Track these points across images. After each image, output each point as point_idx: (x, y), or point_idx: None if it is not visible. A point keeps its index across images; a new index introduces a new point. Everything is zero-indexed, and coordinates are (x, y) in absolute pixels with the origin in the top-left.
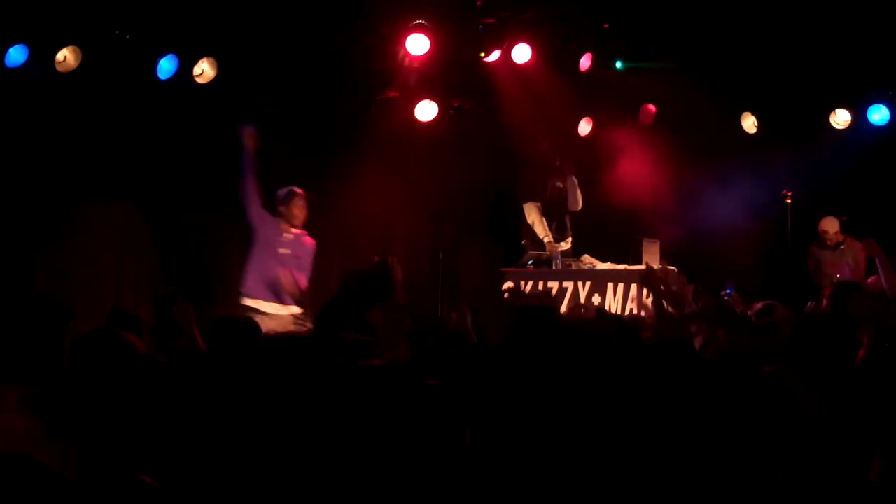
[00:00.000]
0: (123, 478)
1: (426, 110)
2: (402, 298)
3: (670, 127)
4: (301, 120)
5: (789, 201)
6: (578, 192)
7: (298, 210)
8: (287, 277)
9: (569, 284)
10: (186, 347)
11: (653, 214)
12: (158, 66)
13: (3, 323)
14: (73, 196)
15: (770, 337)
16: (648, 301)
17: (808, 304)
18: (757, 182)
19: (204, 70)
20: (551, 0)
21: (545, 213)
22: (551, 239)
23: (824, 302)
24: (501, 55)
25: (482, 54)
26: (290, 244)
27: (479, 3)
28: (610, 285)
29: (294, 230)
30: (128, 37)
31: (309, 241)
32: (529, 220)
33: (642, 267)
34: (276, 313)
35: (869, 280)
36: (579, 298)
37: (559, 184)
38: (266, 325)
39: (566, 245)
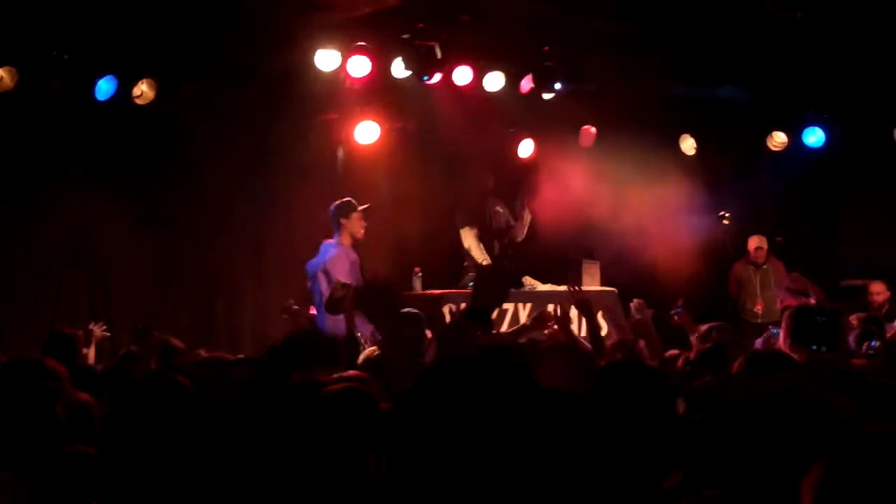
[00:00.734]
0: None
1: (367, 132)
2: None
3: (610, 148)
4: (242, 141)
5: (727, 222)
6: (526, 226)
7: (360, 223)
8: None
9: (509, 306)
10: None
11: (593, 236)
12: (97, 87)
13: None
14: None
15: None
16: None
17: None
18: (695, 203)
19: (143, 91)
20: (492, 23)
21: (484, 235)
22: (490, 262)
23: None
24: (443, 77)
25: (424, 76)
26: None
27: (420, 25)
28: (550, 307)
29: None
30: (66, 57)
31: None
32: (466, 245)
33: (587, 288)
34: None
35: (785, 302)
36: (519, 320)
37: (499, 207)
38: None
39: None
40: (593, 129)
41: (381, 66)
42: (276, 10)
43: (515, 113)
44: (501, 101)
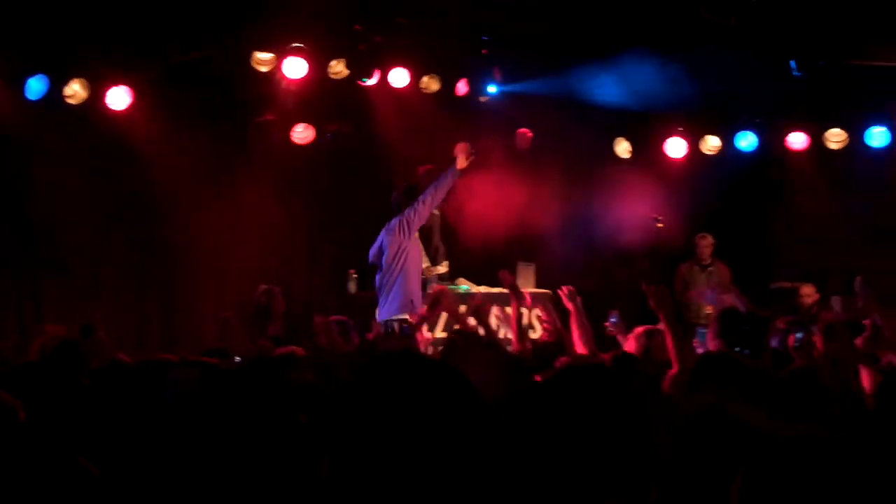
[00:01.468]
0: None
1: (303, 134)
2: (280, 330)
3: (546, 152)
4: (178, 141)
5: (660, 225)
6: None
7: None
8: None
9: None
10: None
11: (528, 238)
12: (27, 86)
13: None
14: None
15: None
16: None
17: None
18: (630, 206)
19: (76, 91)
20: (429, 26)
21: (421, 237)
22: (428, 263)
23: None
24: (379, 80)
25: (361, 78)
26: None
27: (357, 27)
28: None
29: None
30: None
31: None
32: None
33: (527, 290)
34: None
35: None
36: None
37: (435, 210)
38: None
39: (443, 269)
40: (529, 132)
41: (318, 68)
42: (213, 10)
43: (451, 115)
44: (437, 104)
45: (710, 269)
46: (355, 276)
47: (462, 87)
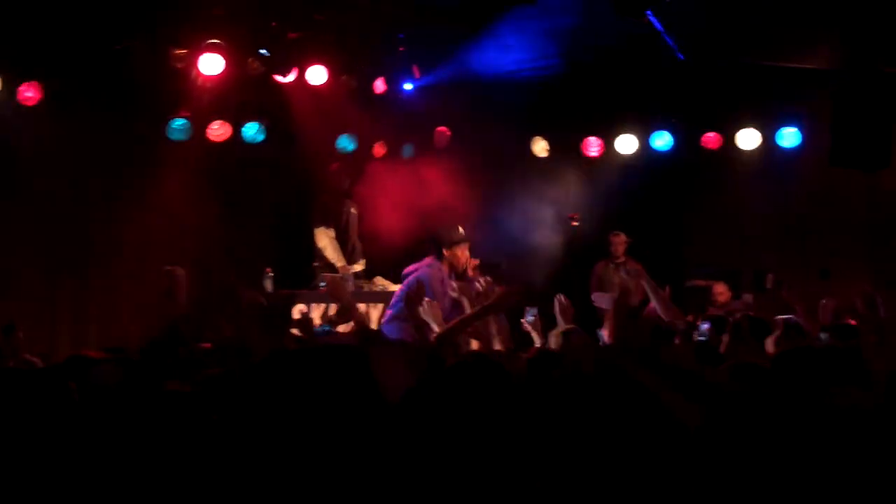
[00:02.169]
0: None
1: (219, 131)
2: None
3: (463, 150)
4: (96, 138)
5: (575, 224)
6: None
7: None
8: None
9: (361, 306)
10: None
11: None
12: None
13: None
14: None
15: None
16: None
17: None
18: (546, 205)
19: None
20: (346, 23)
21: (338, 235)
22: (344, 263)
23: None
24: (297, 76)
25: (277, 75)
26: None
27: (273, 24)
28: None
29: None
30: None
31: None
32: (321, 245)
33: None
34: None
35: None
36: (370, 320)
37: (352, 208)
38: None
39: (359, 267)
40: (447, 130)
41: (235, 65)
42: (128, 6)
43: (369, 113)
44: (354, 101)
45: (624, 266)
46: (271, 274)
47: (380, 86)
